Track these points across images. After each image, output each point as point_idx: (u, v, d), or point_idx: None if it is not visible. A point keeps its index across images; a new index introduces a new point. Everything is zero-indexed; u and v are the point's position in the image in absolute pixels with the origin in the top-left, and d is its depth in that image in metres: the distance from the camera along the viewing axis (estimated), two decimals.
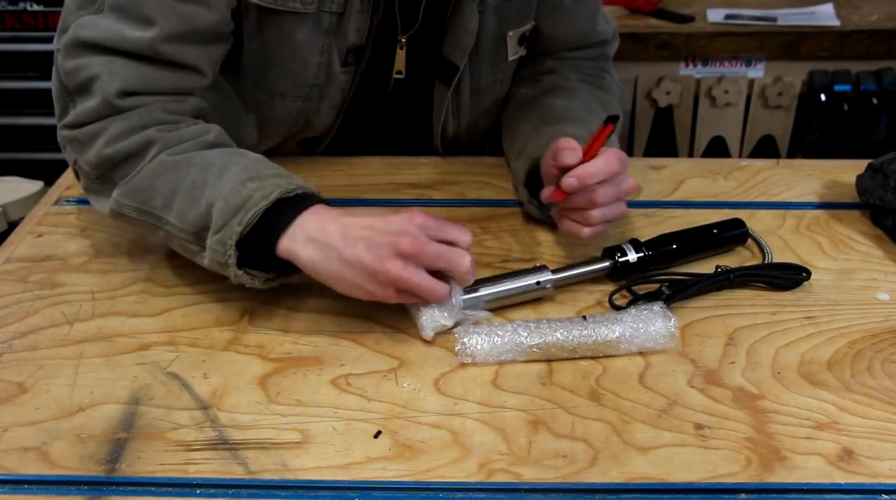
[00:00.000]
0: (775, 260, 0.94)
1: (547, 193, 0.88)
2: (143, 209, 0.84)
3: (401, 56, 1.04)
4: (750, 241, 0.97)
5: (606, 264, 0.90)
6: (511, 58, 1.09)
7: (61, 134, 0.90)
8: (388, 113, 1.13)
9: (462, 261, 0.79)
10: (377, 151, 1.16)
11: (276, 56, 0.98)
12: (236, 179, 0.80)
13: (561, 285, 0.89)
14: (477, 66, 1.07)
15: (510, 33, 1.06)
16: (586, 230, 0.88)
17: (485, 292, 0.85)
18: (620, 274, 0.90)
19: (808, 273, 0.90)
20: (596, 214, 0.87)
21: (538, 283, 0.87)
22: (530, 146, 0.99)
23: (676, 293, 0.86)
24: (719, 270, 0.90)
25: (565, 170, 0.86)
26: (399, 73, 1.05)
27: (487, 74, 1.09)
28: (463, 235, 0.80)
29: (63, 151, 0.91)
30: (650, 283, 0.89)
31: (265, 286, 0.82)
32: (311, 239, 0.78)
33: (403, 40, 1.03)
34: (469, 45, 1.02)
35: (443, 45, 1.03)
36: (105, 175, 0.87)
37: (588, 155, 0.86)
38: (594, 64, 1.15)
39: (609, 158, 0.85)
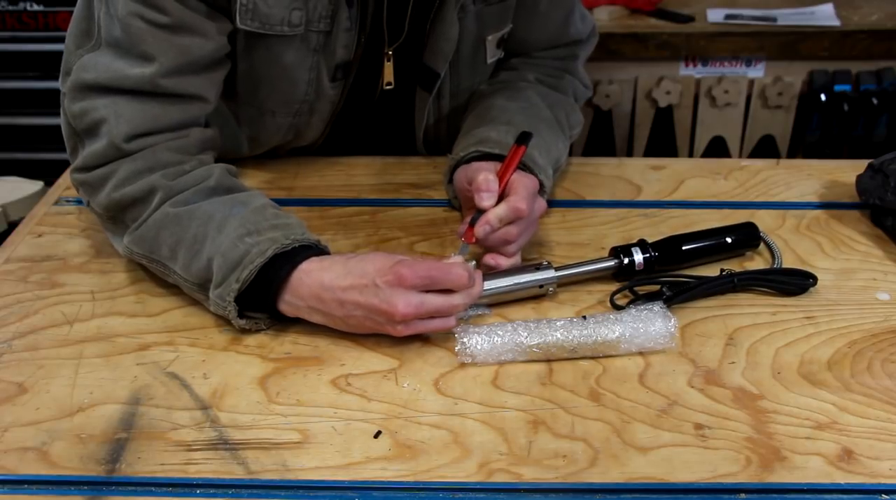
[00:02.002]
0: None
1: (462, 229, 0.89)
2: (152, 257, 0.87)
3: (388, 68, 1.05)
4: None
5: (611, 263, 0.90)
6: (490, 60, 1.10)
7: (73, 177, 0.92)
8: (373, 120, 1.14)
9: (457, 310, 0.80)
10: (362, 156, 1.16)
11: (266, 76, 0.99)
12: (234, 234, 0.82)
13: (564, 283, 0.89)
14: (457, 71, 1.08)
15: (489, 37, 1.07)
16: (504, 262, 0.89)
17: (487, 287, 0.85)
18: (625, 274, 0.90)
19: (815, 279, 0.89)
20: (511, 248, 0.89)
21: (540, 286, 0.87)
22: (457, 147, 1.01)
23: (678, 295, 0.86)
24: (724, 272, 0.90)
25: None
26: (389, 84, 1.06)
27: (467, 78, 1.10)
28: (457, 277, 0.79)
29: (77, 193, 0.94)
30: (653, 284, 0.89)
31: (269, 326, 0.84)
32: (313, 309, 0.80)
33: (390, 52, 1.04)
34: (450, 52, 1.03)
35: (423, 53, 1.04)
36: (116, 217, 0.90)
37: (502, 179, 0.89)
38: (559, 63, 1.15)
39: (515, 203, 0.86)
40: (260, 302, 0.82)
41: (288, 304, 0.81)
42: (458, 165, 0.98)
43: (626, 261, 0.90)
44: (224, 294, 0.80)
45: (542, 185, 0.95)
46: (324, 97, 1.02)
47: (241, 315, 0.81)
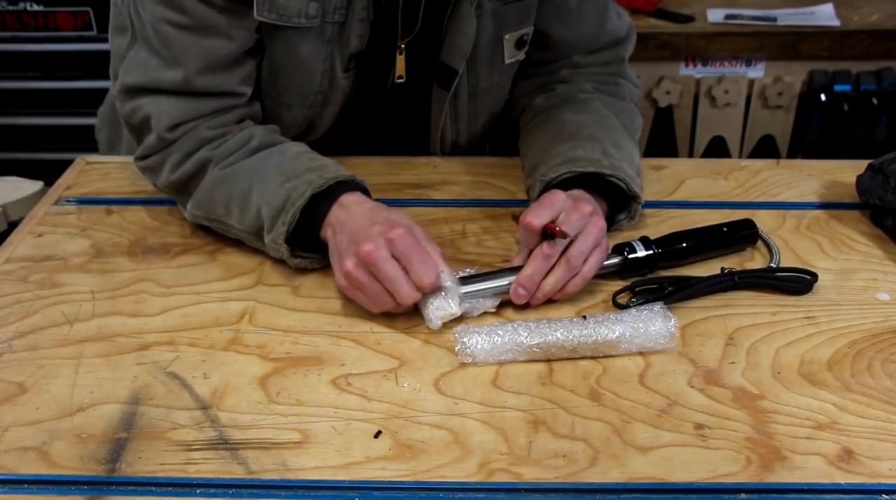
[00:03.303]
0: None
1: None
2: (211, 218, 0.95)
3: (400, 61, 1.05)
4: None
5: (615, 260, 0.90)
6: (508, 61, 1.09)
7: (137, 165, 1.01)
8: (385, 116, 1.14)
9: (401, 297, 0.81)
10: (374, 154, 1.16)
11: (283, 68, 1.00)
12: (275, 183, 0.89)
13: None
14: (474, 70, 1.07)
15: (506, 36, 1.06)
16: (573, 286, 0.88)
17: (487, 284, 0.85)
18: (630, 271, 0.91)
19: (815, 277, 0.89)
20: (575, 282, 0.87)
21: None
22: (542, 167, 0.99)
23: (677, 292, 0.86)
24: (724, 271, 0.90)
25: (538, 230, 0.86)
26: (401, 77, 1.06)
27: (485, 78, 1.09)
28: (424, 276, 0.81)
29: (144, 176, 1.03)
30: (655, 283, 0.89)
31: (322, 264, 0.91)
32: (335, 234, 0.87)
33: (403, 46, 1.04)
34: (467, 49, 1.03)
35: (441, 50, 1.04)
36: (181, 191, 0.98)
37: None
38: (609, 69, 1.13)
39: (536, 260, 0.85)
40: (309, 241, 0.89)
41: (324, 229, 0.88)
42: (546, 188, 0.96)
43: (629, 256, 0.90)
44: (276, 238, 0.88)
45: (636, 195, 0.96)
46: (337, 88, 1.03)
47: (293, 255, 0.89)
